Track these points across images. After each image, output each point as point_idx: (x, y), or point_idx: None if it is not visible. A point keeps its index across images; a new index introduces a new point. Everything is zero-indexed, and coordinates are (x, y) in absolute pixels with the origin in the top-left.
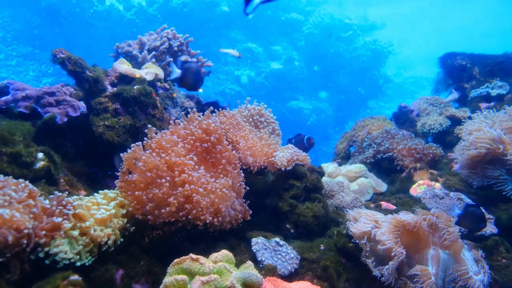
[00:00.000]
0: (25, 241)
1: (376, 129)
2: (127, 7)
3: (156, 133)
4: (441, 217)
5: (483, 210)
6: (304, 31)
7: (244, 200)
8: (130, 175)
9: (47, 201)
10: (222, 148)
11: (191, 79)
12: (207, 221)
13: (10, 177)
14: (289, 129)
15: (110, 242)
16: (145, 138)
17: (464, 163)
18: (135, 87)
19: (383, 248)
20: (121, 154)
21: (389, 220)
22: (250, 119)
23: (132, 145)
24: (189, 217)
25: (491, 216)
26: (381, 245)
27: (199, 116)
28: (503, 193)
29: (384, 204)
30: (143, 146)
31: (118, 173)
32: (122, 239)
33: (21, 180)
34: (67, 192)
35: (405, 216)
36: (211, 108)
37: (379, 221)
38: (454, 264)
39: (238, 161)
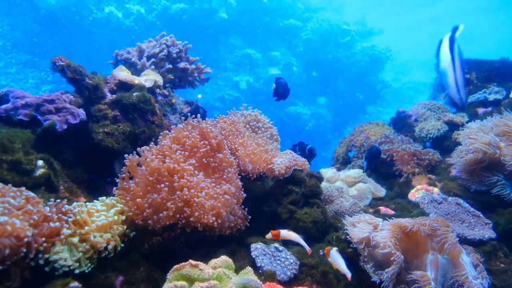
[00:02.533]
0: (24, 249)
1: (374, 134)
2: (126, 14)
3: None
4: (439, 222)
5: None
6: (303, 37)
7: (243, 207)
8: (130, 181)
9: (47, 208)
10: (222, 157)
11: (281, 91)
12: (210, 221)
13: (10, 185)
14: (288, 134)
15: (110, 247)
16: (151, 143)
17: (462, 168)
18: (134, 94)
19: (382, 252)
20: (126, 155)
21: (388, 224)
22: (247, 125)
23: (138, 149)
24: (191, 219)
25: (489, 221)
26: (381, 249)
27: (197, 121)
28: (502, 197)
29: (382, 209)
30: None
31: (118, 180)
32: (122, 245)
33: (22, 188)
34: (66, 200)
35: (404, 220)
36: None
37: (378, 225)
38: (453, 269)
39: (237, 168)
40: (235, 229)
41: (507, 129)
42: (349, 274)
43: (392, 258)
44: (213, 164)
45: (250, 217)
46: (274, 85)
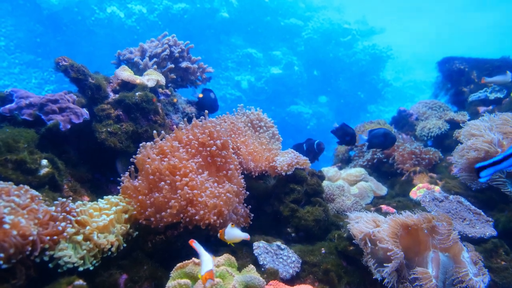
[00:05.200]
0: (29, 248)
1: None
2: (128, 14)
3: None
4: (441, 220)
5: (389, 131)
6: (304, 36)
7: (246, 205)
8: (135, 180)
9: (53, 208)
10: (227, 154)
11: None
12: (212, 220)
13: (11, 183)
14: (289, 133)
15: (113, 248)
16: (151, 143)
17: (463, 166)
18: (137, 93)
19: (383, 247)
20: (142, 143)
21: (389, 221)
22: (249, 124)
23: (142, 143)
24: (196, 217)
25: (490, 219)
26: (382, 243)
27: (201, 121)
28: (503, 193)
29: (384, 207)
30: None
31: (121, 178)
32: (125, 244)
33: (27, 187)
34: (71, 198)
35: (405, 217)
36: (207, 112)
37: (379, 221)
38: (454, 266)
39: (239, 166)
40: (240, 228)
41: (509, 128)
42: (247, 236)
43: (389, 253)
44: (219, 163)
45: (252, 215)
46: (337, 125)
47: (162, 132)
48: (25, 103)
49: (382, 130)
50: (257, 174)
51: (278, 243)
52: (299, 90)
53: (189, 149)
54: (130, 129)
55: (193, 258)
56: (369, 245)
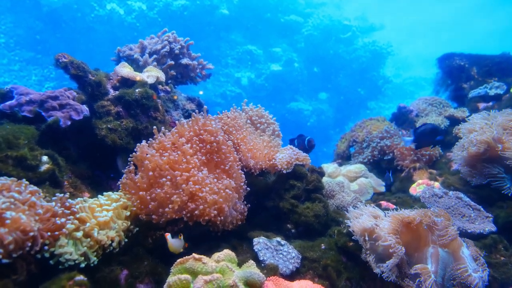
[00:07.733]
0: (29, 243)
1: (375, 129)
2: (127, 11)
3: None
4: (440, 216)
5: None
6: (304, 32)
7: (245, 203)
8: (136, 175)
9: (53, 203)
10: (226, 150)
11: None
12: (212, 215)
13: (12, 178)
14: (289, 130)
15: (114, 244)
16: (150, 139)
17: (463, 161)
18: (137, 90)
19: (383, 244)
20: (138, 144)
21: (389, 217)
22: (248, 121)
23: (138, 144)
24: (196, 212)
25: (490, 215)
26: (382, 241)
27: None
28: (502, 191)
29: (384, 203)
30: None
31: (123, 172)
32: (126, 240)
33: (26, 182)
34: (68, 194)
35: (405, 213)
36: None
37: (379, 217)
38: (453, 262)
39: (239, 163)
40: (237, 224)
41: (509, 123)
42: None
43: (391, 250)
44: (217, 159)
45: (247, 212)
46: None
47: (162, 128)
48: (25, 100)
49: (429, 126)
50: (257, 172)
51: (278, 239)
52: (299, 86)
53: (193, 145)
54: (130, 125)
55: (193, 254)
56: (368, 239)
